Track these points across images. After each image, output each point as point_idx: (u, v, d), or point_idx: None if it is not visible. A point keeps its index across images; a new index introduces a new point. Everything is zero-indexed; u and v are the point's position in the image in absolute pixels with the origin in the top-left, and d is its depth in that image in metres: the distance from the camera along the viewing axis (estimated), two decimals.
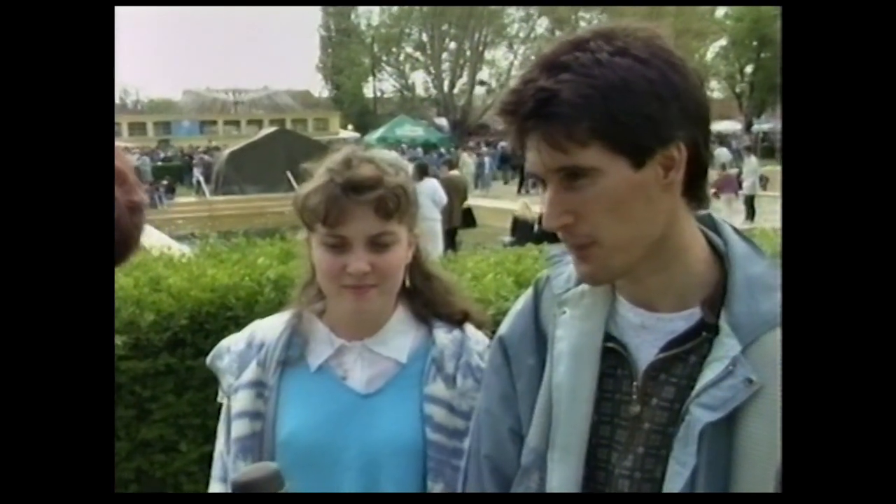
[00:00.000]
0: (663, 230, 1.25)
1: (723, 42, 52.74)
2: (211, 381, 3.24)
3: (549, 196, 1.24)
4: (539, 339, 1.41)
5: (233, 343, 1.77)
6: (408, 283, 1.72)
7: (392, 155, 1.74)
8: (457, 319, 1.73)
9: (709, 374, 1.21)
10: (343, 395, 1.65)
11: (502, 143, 38.58)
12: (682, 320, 1.28)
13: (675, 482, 1.21)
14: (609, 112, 1.16)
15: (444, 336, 1.69)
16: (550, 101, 1.17)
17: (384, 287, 1.63)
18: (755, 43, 48.71)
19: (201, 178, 30.07)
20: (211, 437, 3.28)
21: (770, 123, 51.22)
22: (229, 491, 1.66)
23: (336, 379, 1.67)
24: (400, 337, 1.69)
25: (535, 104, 1.18)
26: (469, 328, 1.72)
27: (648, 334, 1.30)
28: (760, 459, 1.18)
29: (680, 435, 1.21)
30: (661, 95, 1.17)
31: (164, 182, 28.76)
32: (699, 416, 1.20)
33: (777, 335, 1.20)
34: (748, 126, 49.27)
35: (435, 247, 10.21)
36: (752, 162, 21.60)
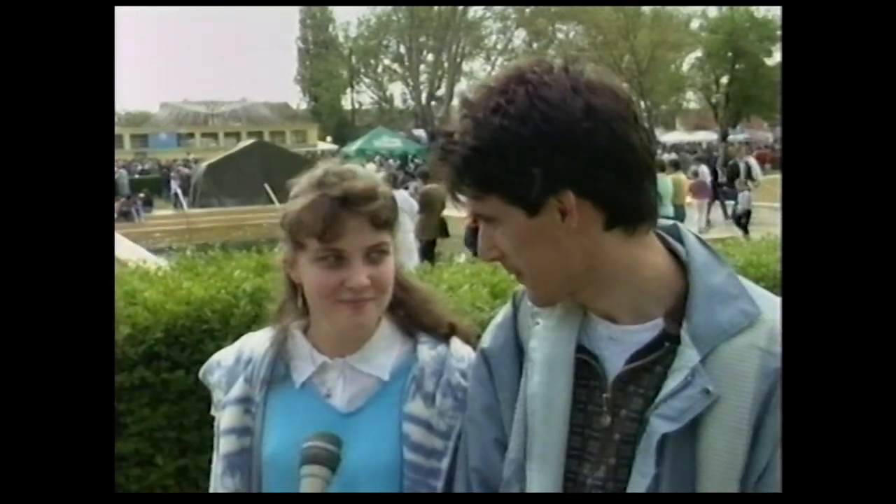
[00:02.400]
0: (587, 264, 1.28)
1: (698, 53, 53.10)
2: (187, 395, 3.24)
3: (479, 232, 1.33)
4: (518, 351, 1.43)
5: (223, 358, 1.77)
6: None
7: (363, 169, 1.74)
8: (443, 333, 1.71)
9: (670, 384, 1.23)
10: (324, 413, 1.63)
11: None
12: (646, 332, 1.30)
13: (635, 491, 1.23)
14: (488, 172, 1.23)
15: (427, 352, 1.67)
16: (445, 161, 1.27)
17: (381, 300, 1.62)
18: (730, 54, 49.09)
19: (179, 191, 29.91)
20: (187, 451, 3.29)
21: (745, 134, 51.68)
22: None
23: (319, 397, 1.66)
24: (382, 353, 1.67)
25: (437, 163, 1.29)
26: (455, 343, 1.69)
27: (616, 346, 1.32)
28: (721, 468, 1.20)
29: (641, 445, 1.24)
30: (537, 151, 1.20)
31: (142, 195, 28.57)
32: (657, 426, 1.22)
33: (733, 345, 1.23)
34: (724, 136, 49.62)
35: (410, 258, 10.21)
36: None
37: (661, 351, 1.28)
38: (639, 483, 1.23)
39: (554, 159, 1.20)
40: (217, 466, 1.70)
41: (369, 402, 1.65)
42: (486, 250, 1.32)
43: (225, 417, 1.69)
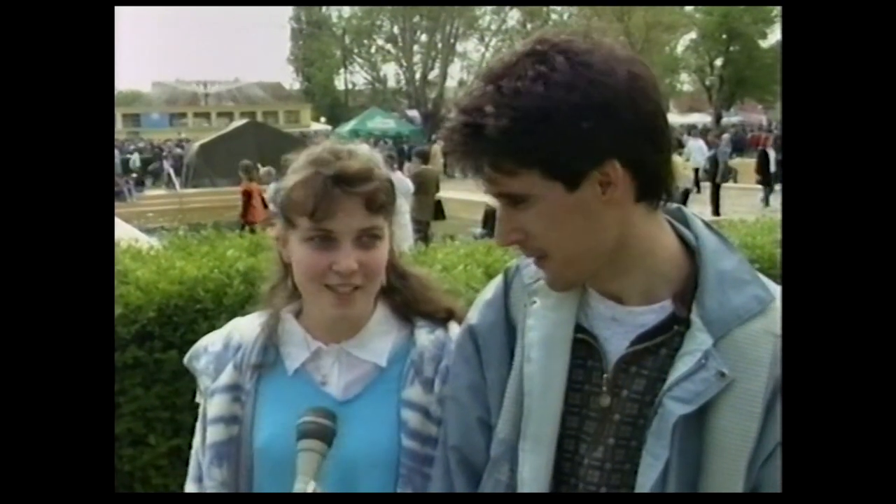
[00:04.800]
0: (617, 239, 1.26)
1: (692, 35, 52.97)
2: (180, 375, 3.23)
3: (498, 215, 1.27)
4: (509, 329, 1.41)
5: (210, 343, 1.71)
6: (383, 281, 1.65)
7: (367, 148, 1.68)
8: (441, 318, 1.68)
9: (681, 367, 1.23)
10: (320, 401, 1.58)
11: None
12: (652, 314, 1.29)
13: (648, 475, 1.22)
14: (531, 143, 1.17)
15: (425, 337, 1.64)
16: (475, 137, 1.19)
17: (369, 288, 1.58)
18: (724, 36, 49.00)
19: (171, 171, 29.82)
20: (180, 431, 3.29)
21: (739, 116, 51.68)
22: (203, 491, 1.64)
23: (314, 384, 1.62)
24: (379, 339, 1.64)
25: (461, 140, 1.20)
26: (453, 328, 1.65)
27: (619, 327, 1.31)
28: (732, 452, 1.20)
29: (653, 428, 1.23)
30: (585, 118, 1.16)
31: (134, 175, 28.52)
32: (672, 408, 1.21)
33: (747, 330, 1.23)
34: (718, 118, 49.60)
35: (405, 239, 10.20)
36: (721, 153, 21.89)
37: (669, 334, 1.27)
38: (651, 465, 1.22)
39: (601, 127, 1.17)
40: (204, 456, 1.66)
41: (366, 389, 1.61)
42: (507, 233, 1.27)
43: (213, 406, 1.64)
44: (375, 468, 1.56)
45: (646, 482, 1.22)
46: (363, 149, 1.63)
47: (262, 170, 14.36)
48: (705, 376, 1.21)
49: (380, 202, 1.54)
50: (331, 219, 1.52)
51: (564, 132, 1.16)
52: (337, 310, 1.57)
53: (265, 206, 12.46)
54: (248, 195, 13.43)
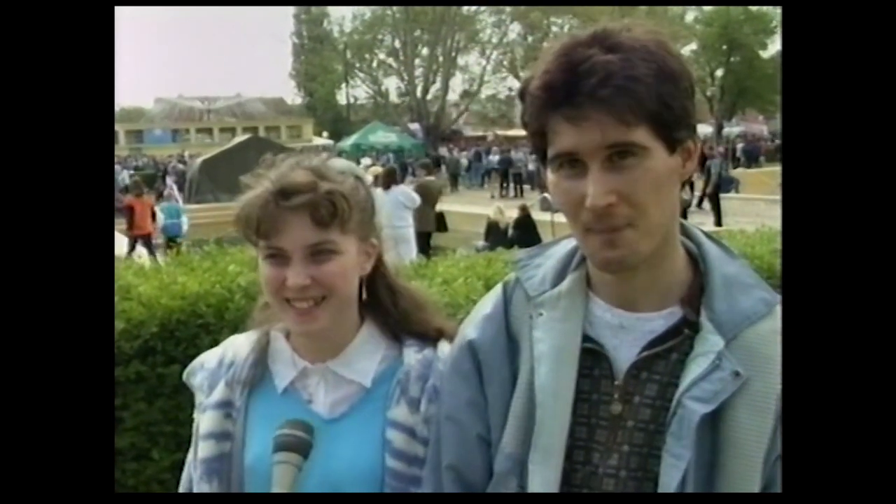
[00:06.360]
0: (672, 220, 1.31)
1: (693, 46, 53.03)
2: (182, 389, 3.21)
3: (594, 176, 1.23)
4: (509, 343, 1.41)
5: (206, 360, 1.73)
6: (365, 296, 1.65)
7: (344, 163, 1.65)
8: (431, 337, 1.67)
9: (695, 368, 1.25)
10: (307, 420, 1.58)
11: (475, 149, 38.67)
12: (661, 319, 1.31)
13: (671, 475, 1.23)
14: (661, 96, 1.21)
15: (412, 356, 1.63)
16: (615, 76, 1.18)
17: (333, 301, 1.55)
18: (724, 47, 49.11)
19: (174, 187, 29.86)
20: (183, 445, 3.27)
21: (740, 127, 51.70)
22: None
23: (301, 402, 1.62)
24: (364, 358, 1.63)
25: (600, 78, 1.19)
26: (442, 347, 1.63)
27: (627, 334, 1.33)
28: (749, 449, 1.22)
29: (672, 429, 1.24)
30: (689, 91, 1.25)
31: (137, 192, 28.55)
32: (693, 408, 1.23)
33: (757, 331, 1.26)
34: (719, 129, 49.64)
35: (408, 252, 10.20)
36: (715, 164, 21.79)
37: (679, 338, 1.30)
38: (674, 466, 1.23)
39: (692, 102, 1.26)
40: (195, 471, 1.67)
41: (353, 408, 1.61)
42: (605, 194, 1.22)
43: (205, 421, 1.65)
44: (360, 487, 1.55)
45: (670, 482, 1.23)
46: (334, 164, 1.62)
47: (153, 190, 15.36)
48: (721, 376, 1.24)
49: (323, 215, 1.51)
50: (277, 236, 1.51)
51: (681, 95, 1.24)
52: (299, 326, 1.57)
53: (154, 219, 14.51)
54: (130, 209, 14.67)
